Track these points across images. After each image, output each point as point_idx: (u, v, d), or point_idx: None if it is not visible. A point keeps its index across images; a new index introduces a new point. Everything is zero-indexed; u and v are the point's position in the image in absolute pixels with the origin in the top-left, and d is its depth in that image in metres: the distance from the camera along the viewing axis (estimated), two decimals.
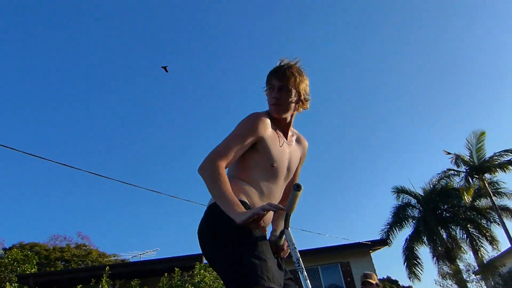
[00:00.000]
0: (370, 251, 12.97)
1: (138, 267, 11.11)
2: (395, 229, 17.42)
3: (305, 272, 1.36)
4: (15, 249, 13.18)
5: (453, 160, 17.47)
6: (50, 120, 38.93)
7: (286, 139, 1.70)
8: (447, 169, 17.91)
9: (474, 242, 16.44)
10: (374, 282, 4.50)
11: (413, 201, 18.35)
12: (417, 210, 18.24)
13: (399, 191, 18.37)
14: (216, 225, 1.45)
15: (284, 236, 1.55)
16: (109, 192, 43.01)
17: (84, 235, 28.28)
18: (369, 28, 37.85)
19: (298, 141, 1.79)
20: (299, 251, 1.41)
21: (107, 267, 7.89)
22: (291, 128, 1.74)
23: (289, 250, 1.56)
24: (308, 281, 1.34)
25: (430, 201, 17.81)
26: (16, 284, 9.77)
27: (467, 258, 16.38)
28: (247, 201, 1.52)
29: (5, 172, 34.87)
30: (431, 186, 18.27)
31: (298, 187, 1.35)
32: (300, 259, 1.39)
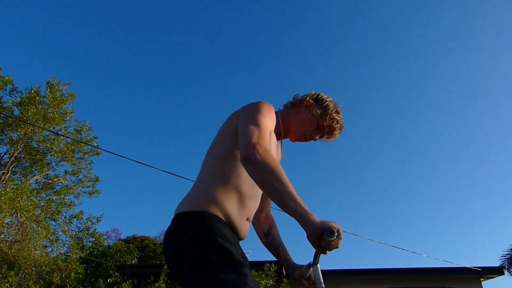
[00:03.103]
0: (481, 279, 11.03)
1: None
2: None
3: None
4: (120, 241, 14.68)
5: None
6: None
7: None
8: None
9: None
10: None
11: None
12: None
13: None
14: (197, 237, 1.20)
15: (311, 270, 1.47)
16: None
17: None
18: None
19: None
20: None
21: None
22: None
23: (306, 284, 1.56)
24: None
25: None
26: (116, 273, 10.82)
27: None
28: (220, 215, 1.28)
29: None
30: None
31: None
32: None
